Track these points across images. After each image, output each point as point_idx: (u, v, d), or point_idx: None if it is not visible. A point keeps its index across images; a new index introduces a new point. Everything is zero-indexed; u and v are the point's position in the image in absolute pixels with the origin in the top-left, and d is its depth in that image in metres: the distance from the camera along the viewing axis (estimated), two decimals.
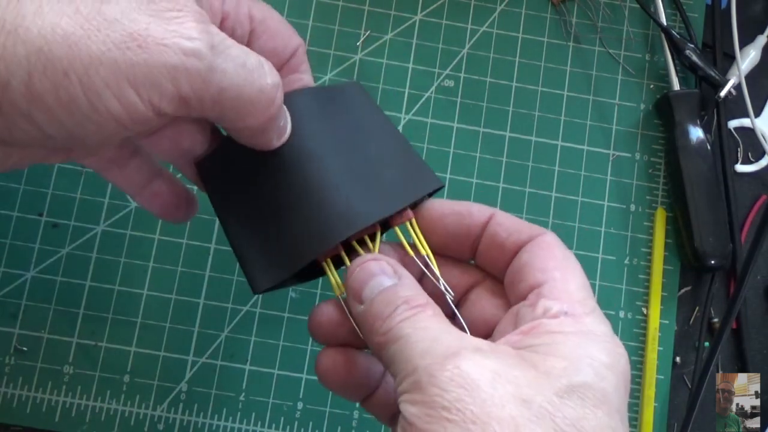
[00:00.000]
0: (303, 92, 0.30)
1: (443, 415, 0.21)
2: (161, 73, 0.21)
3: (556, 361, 0.23)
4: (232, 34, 0.28)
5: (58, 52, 0.20)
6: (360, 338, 0.27)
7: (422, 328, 0.24)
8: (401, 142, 0.31)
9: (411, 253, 0.29)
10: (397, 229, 0.30)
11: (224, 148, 0.30)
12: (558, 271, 0.26)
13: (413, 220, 0.29)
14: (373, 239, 0.29)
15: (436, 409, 0.21)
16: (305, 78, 0.32)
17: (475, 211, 0.29)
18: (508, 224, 0.28)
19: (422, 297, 0.25)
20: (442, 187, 0.31)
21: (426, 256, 0.29)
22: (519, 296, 0.26)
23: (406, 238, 0.30)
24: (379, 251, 0.29)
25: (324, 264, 0.29)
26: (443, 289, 0.28)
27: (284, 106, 0.28)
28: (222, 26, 0.28)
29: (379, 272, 0.26)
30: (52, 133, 0.22)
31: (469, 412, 0.21)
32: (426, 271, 0.29)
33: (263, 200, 0.29)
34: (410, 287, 0.26)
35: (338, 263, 0.29)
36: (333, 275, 0.29)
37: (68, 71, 0.20)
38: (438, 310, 0.25)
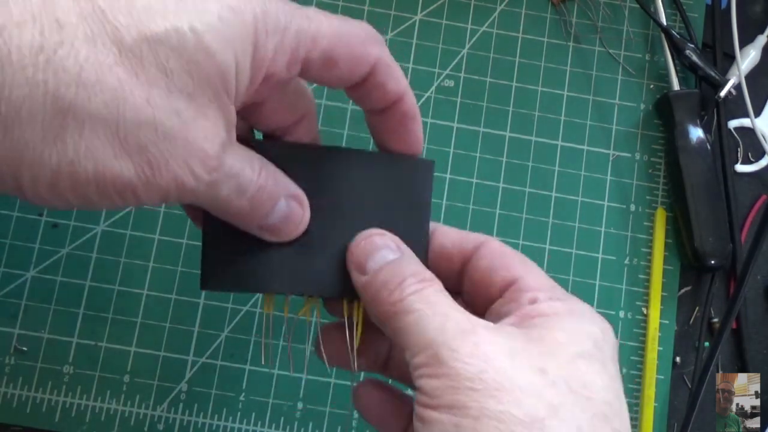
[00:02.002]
0: (354, 154, 0.29)
1: (467, 386, 0.22)
2: (159, 192, 0.23)
3: (559, 335, 0.24)
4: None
5: (86, 165, 0.21)
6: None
7: (433, 303, 0.25)
8: (421, 232, 0.30)
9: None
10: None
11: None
12: (522, 268, 0.28)
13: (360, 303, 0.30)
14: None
15: (460, 381, 0.23)
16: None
17: None
18: (452, 235, 0.30)
19: (427, 272, 0.26)
20: None
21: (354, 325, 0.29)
22: (490, 298, 0.28)
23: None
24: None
25: (266, 302, 0.30)
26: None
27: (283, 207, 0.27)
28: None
29: (383, 246, 0.27)
30: (63, 209, 0.24)
31: (492, 381, 0.22)
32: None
33: None
34: (414, 262, 0.27)
35: None
36: (269, 317, 0.30)
37: (90, 181, 0.22)
38: (442, 286, 0.26)
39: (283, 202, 0.27)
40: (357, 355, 0.29)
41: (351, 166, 0.29)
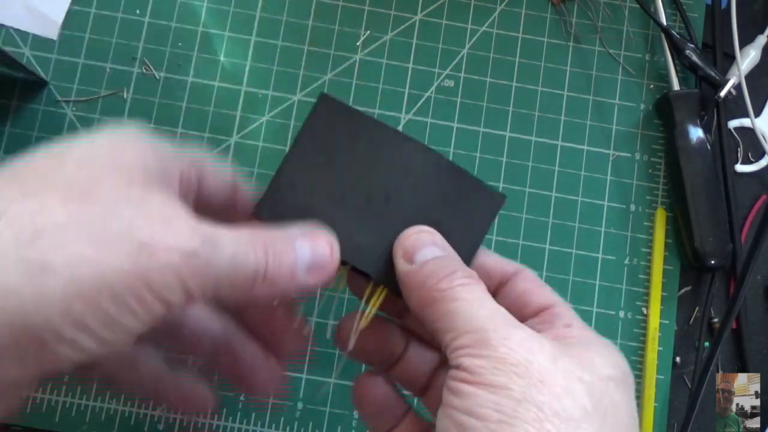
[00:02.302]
0: (439, 161, 0.31)
1: (512, 370, 0.23)
2: (170, 274, 0.23)
3: (594, 357, 0.26)
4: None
5: (87, 275, 0.22)
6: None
7: (480, 297, 0.26)
8: (470, 250, 0.31)
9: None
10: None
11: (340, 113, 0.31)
12: (556, 299, 0.30)
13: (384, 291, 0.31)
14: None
15: (506, 365, 0.24)
16: None
17: None
18: (493, 257, 0.31)
19: (474, 272, 0.28)
20: None
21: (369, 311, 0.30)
22: (523, 317, 0.29)
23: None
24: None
25: None
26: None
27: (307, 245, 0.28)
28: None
29: (432, 243, 0.29)
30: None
31: (537, 372, 0.23)
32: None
33: (333, 168, 0.30)
34: (460, 261, 0.28)
35: None
36: None
37: (101, 289, 0.22)
38: (486, 288, 0.27)
39: (300, 241, 0.27)
40: (372, 349, 0.30)
41: (425, 164, 0.31)
